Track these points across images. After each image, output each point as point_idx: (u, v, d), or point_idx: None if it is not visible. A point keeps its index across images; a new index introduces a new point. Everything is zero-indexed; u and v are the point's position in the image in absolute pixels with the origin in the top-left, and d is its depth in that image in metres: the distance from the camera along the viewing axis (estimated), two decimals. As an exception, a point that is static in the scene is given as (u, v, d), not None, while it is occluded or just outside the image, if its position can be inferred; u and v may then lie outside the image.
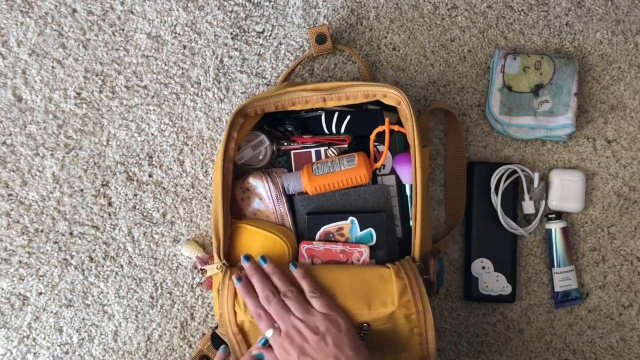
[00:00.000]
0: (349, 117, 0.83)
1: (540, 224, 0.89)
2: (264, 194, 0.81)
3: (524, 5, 0.90)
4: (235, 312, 0.74)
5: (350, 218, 0.80)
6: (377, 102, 0.82)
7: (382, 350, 0.76)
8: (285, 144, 0.84)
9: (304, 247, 0.79)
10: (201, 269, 0.78)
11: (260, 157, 0.84)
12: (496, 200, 0.86)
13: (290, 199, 0.82)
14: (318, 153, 0.84)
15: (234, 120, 0.78)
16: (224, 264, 0.76)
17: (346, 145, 0.83)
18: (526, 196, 0.88)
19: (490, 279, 0.87)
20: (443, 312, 0.90)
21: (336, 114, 0.83)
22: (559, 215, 0.88)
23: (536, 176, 0.88)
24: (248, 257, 0.75)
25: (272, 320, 0.70)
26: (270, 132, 0.85)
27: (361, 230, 0.80)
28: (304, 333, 0.68)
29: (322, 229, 0.80)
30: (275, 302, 0.70)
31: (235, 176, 0.83)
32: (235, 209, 0.83)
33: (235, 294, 0.74)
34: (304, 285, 0.72)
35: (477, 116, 0.90)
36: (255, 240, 0.78)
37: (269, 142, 0.84)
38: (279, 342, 0.69)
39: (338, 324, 0.68)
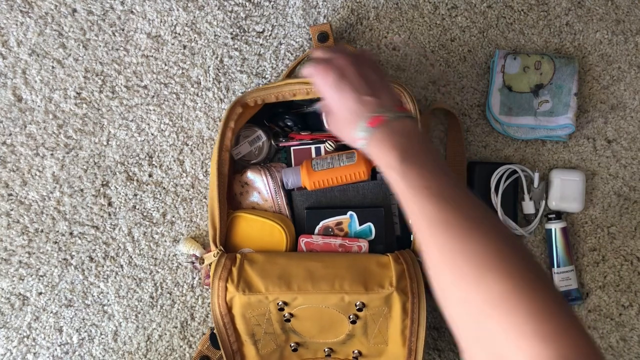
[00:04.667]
0: None
1: (540, 224, 0.89)
2: (262, 188, 0.81)
3: (524, 5, 0.90)
4: (226, 288, 0.73)
5: (349, 212, 0.80)
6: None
7: (367, 338, 0.76)
8: (283, 140, 0.84)
9: (302, 240, 0.79)
10: (200, 258, 0.78)
11: (257, 152, 0.84)
12: (496, 200, 0.86)
13: (288, 194, 0.82)
14: (318, 150, 0.84)
15: (232, 110, 0.78)
16: (220, 250, 0.76)
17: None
18: (526, 196, 0.88)
19: (490, 279, 0.87)
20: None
21: None
22: (559, 215, 0.88)
23: (536, 176, 0.88)
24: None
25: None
26: (269, 128, 0.85)
27: (360, 225, 0.80)
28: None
29: (321, 224, 0.80)
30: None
31: (235, 172, 0.83)
32: (234, 203, 0.83)
33: (230, 270, 0.73)
34: None
35: (477, 116, 0.90)
36: (252, 228, 0.78)
37: (266, 138, 0.84)
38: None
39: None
